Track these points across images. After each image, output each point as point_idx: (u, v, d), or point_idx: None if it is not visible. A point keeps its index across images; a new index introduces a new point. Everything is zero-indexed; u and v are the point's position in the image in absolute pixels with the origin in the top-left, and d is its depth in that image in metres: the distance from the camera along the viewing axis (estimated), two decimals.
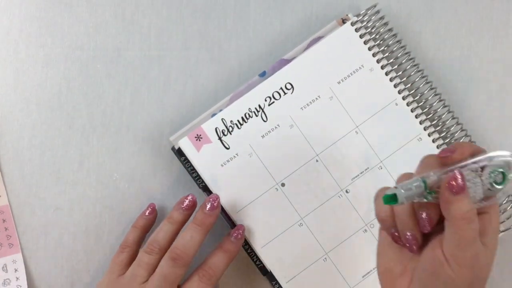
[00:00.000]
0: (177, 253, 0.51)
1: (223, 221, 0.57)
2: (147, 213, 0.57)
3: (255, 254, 0.56)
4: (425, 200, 0.43)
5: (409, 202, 0.43)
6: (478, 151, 0.45)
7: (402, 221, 0.45)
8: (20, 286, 0.57)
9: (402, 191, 0.43)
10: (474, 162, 0.43)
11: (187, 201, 0.54)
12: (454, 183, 0.42)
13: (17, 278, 0.57)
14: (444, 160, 0.44)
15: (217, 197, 0.54)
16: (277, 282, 0.56)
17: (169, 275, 0.51)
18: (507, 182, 0.43)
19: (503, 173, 0.43)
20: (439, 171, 0.44)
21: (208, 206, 0.53)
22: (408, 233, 0.44)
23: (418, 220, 0.44)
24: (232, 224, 0.56)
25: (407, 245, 0.45)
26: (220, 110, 0.56)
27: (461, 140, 0.57)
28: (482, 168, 0.43)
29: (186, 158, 0.56)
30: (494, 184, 0.43)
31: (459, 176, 0.42)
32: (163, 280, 0.51)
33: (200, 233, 0.52)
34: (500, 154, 0.44)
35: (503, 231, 0.57)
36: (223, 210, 0.56)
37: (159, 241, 0.53)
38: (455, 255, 0.42)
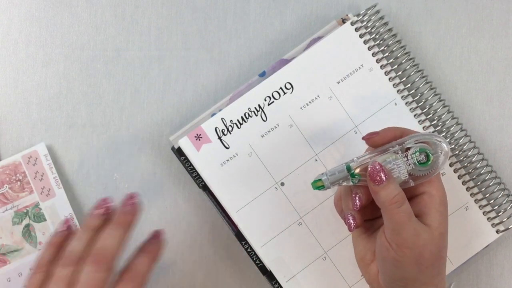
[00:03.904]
0: (98, 254, 0.44)
1: (223, 221, 0.57)
2: (62, 229, 0.48)
3: (255, 254, 0.56)
4: (351, 183, 0.47)
5: (335, 186, 0.48)
6: (407, 133, 0.48)
7: (344, 203, 0.49)
8: None
9: (326, 176, 0.47)
10: (399, 144, 0.46)
11: (103, 204, 0.48)
12: (374, 174, 0.45)
13: None
14: (368, 142, 0.48)
15: (136, 195, 0.48)
16: (276, 282, 0.56)
17: (93, 282, 0.43)
18: (431, 161, 0.46)
19: (427, 153, 0.46)
20: (363, 155, 0.47)
21: (126, 204, 0.48)
22: (347, 213, 0.48)
23: (352, 200, 0.48)
24: (232, 223, 0.56)
25: (347, 224, 0.48)
26: (220, 110, 0.56)
27: (461, 140, 0.57)
28: (408, 149, 0.46)
29: (186, 158, 0.56)
30: (418, 164, 0.46)
31: (377, 167, 0.45)
32: None
33: (121, 232, 0.46)
34: (421, 135, 0.47)
35: (503, 231, 0.57)
36: (222, 209, 0.56)
37: (75, 250, 0.45)
38: (393, 238, 0.45)
